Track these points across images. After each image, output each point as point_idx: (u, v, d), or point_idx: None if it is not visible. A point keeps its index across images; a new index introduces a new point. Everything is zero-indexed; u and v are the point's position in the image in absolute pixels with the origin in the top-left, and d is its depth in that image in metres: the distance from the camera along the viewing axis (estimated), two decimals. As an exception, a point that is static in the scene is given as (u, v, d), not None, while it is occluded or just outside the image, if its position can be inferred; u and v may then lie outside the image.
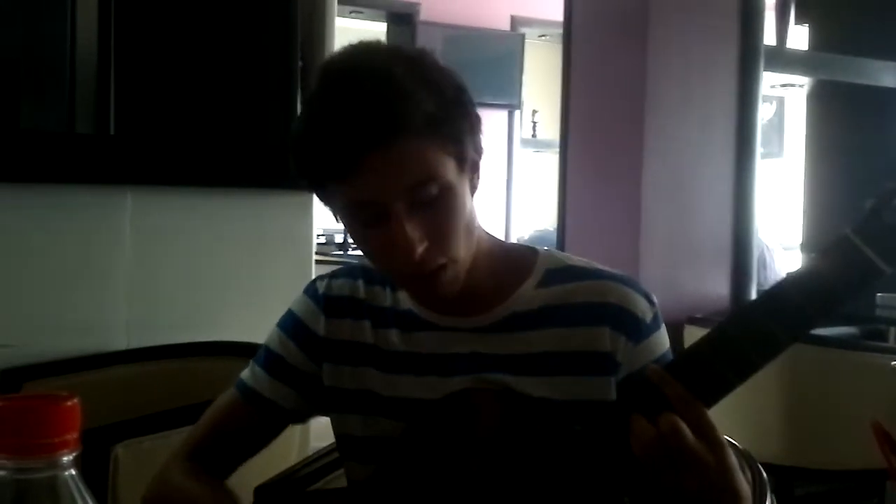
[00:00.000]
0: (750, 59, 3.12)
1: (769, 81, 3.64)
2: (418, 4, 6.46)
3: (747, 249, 3.17)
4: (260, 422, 1.13)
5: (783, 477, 2.67)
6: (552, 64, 4.11)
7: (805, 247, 4.01)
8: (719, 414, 0.85)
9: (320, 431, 1.47)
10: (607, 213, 3.12)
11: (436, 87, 0.94)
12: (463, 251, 0.99)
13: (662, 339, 1.07)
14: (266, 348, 1.15)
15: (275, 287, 2.14)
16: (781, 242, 4.15)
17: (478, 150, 1.00)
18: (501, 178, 6.74)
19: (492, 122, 6.45)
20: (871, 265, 0.81)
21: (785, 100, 7.24)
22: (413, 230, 0.94)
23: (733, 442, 0.99)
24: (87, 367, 1.92)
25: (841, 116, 3.85)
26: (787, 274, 0.88)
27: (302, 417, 1.17)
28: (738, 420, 2.01)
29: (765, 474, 1.16)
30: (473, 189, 1.01)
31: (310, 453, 1.38)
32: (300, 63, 2.42)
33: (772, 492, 1.14)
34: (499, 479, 0.94)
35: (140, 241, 2.04)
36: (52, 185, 1.96)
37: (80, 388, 1.71)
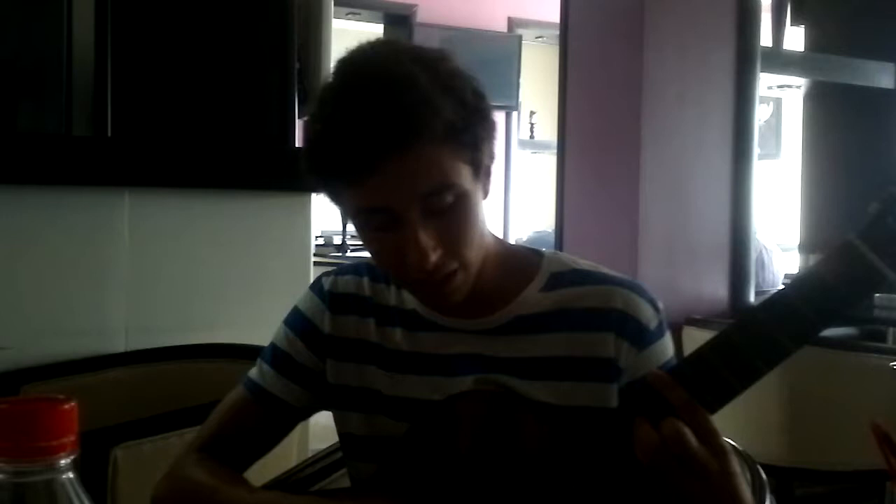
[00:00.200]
0: (746, 60, 3.12)
1: (766, 83, 3.64)
2: (415, 6, 6.47)
3: (745, 250, 3.17)
4: (270, 420, 1.12)
5: (783, 478, 2.67)
6: (549, 65, 4.12)
7: (803, 247, 4.01)
8: (719, 414, 0.85)
9: (320, 433, 1.46)
10: (605, 214, 3.13)
11: (458, 94, 0.93)
12: (474, 257, 0.99)
13: (667, 347, 1.06)
14: (273, 346, 1.14)
15: (273, 289, 2.14)
16: (779, 243, 4.15)
17: (492, 156, 1.00)
18: (499, 179, 6.75)
19: (489, 124, 6.44)
20: (877, 272, 0.81)
21: (782, 101, 7.25)
22: (427, 238, 0.93)
23: (732, 443, 0.99)
24: (86, 369, 1.92)
25: (838, 117, 3.85)
26: (792, 280, 0.87)
27: (311, 414, 1.17)
28: (737, 421, 2.01)
29: (764, 475, 1.15)
30: (485, 194, 1.00)
31: (309, 455, 1.38)
32: (297, 65, 2.42)
33: (771, 492, 1.14)
34: (500, 484, 0.94)
35: (138, 243, 2.04)
36: (49, 188, 1.96)
37: (78, 390, 1.71)
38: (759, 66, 3.15)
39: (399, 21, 6.47)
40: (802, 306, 0.83)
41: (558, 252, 1.13)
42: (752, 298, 3.19)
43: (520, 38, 6.79)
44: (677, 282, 3.04)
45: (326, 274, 1.15)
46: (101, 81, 2.25)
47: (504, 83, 6.54)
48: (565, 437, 0.92)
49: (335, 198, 0.99)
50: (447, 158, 0.93)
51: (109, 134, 2.25)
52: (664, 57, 3.01)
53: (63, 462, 0.52)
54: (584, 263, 1.09)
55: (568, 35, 3.26)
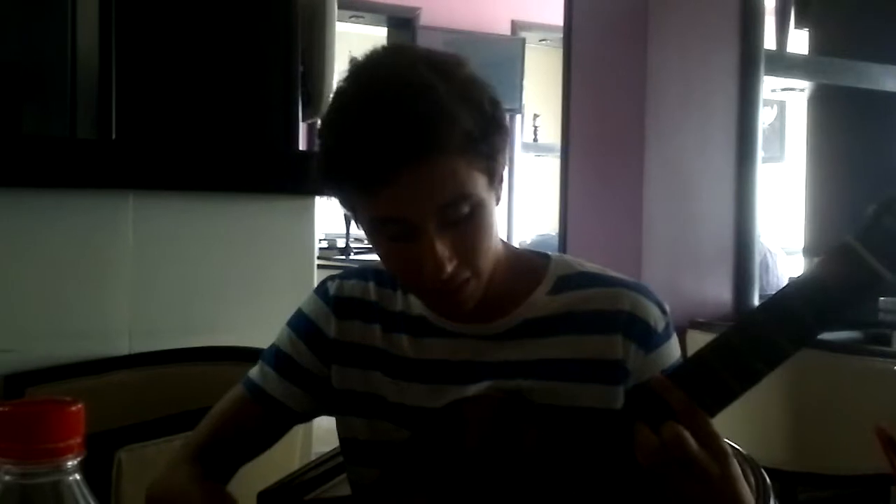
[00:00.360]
0: (750, 63, 3.12)
1: (770, 85, 3.63)
2: (419, 9, 6.47)
3: (749, 253, 3.16)
4: (268, 421, 1.12)
5: (787, 482, 2.66)
6: (553, 68, 4.12)
7: (807, 251, 4.01)
8: (722, 418, 0.85)
9: (323, 436, 1.46)
10: (609, 217, 3.12)
11: (475, 104, 0.93)
12: (488, 265, 0.99)
13: (674, 349, 1.06)
14: (275, 347, 1.14)
15: (277, 292, 2.14)
16: (784, 246, 4.14)
17: (505, 164, 1.00)
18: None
19: (493, 127, 6.44)
20: (874, 273, 0.81)
21: (786, 104, 7.23)
22: (443, 249, 0.93)
23: (736, 447, 0.99)
24: (90, 372, 1.92)
25: (842, 120, 3.84)
26: (790, 282, 0.87)
27: (310, 417, 1.16)
28: (741, 425, 2.00)
29: (768, 479, 1.15)
30: (498, 200, 1.00)
31: (312, 458, 1.38)
32: (301, 68, 2.43)
33: (775, 497, 1.13)
34: (503, 489, 0.94)
35: (142, 245, 2.04)
36: (53, 190, 1.96)
37: (83, 393, 1.71)
38: (762, 68, 3.15)
39: (402, 24, 6.47)
40: (801, 308, 0.83)
41: (564, 255, 1.13)
42: (756, 302, 3.18)
43: (523, 41, 6.78)
44: (681, 285, 3.04)
45: (332, 278, 1.15)
46: (106, 84, 2.25)
47: (507, 86, 6.53)
48: (570, 441, 0.92)
49: (348, 206, 0.99)
50: (464, 169, 0.92)
51: (114, 136, 2.25)
52: (668, 60, 3.01)
53: (70, 464, 0.52)
54: (591, 266, 1.09)
55: (571, 38, 3.26)
